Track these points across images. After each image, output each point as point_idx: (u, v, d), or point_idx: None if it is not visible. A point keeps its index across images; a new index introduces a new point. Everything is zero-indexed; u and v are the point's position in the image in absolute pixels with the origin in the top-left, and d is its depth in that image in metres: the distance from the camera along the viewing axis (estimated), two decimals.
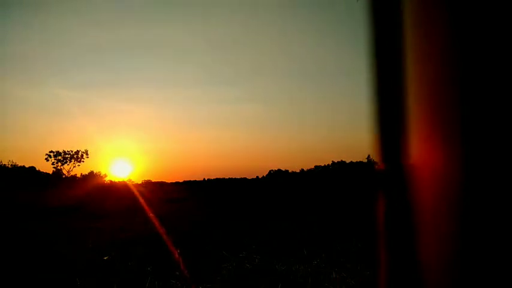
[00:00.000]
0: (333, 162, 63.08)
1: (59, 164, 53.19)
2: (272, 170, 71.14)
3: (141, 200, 19.44)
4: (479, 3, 0.46)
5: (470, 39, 0.47)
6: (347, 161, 61.95)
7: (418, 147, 0.57)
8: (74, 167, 54.35)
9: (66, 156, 53.52)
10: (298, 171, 67.89)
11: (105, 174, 56.28)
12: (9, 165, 50.16)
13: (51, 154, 52.86)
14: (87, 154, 54.85)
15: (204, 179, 73.62)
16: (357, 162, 59.01)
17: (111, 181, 55.69)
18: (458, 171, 0.48)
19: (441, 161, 0.51)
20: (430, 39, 0.54)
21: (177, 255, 5.52)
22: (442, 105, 0.51)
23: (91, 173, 55.94)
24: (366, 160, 54.14)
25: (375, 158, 0.68)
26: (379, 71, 0.65)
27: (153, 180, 65.03)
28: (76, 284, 4.75)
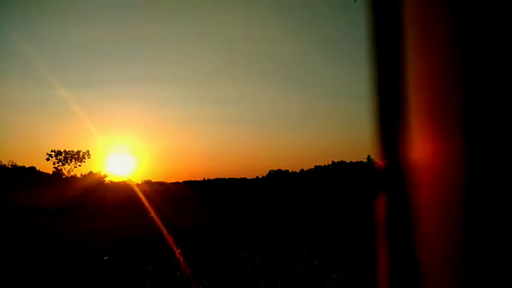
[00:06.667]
0: (333, 162, 63.08)
1: (60, 164, 53.22)
2: (272, 170, 71.19)
3: (142, 200, 19.43)
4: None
5: (471, 34, 0.47)
6: (347, 161, 61.97)
7: (419, 145, 0.57)
8: (75, 167, 54.39)
9: (67, 156, 53.51)
10: (298, 171, 67.94)
11: (105, 175, 56.26)
12: (9, 165, 50.15)
13: (52, 154, 52.86)
14: (88, 154, 54.89)
15: (204, 179, 73.72)
16: (357, 162, 59.04)
17: (111, 181, 55.74)
18: (460, 168, 0.48)
19: (442, 159, 0.51)
20: (430, 36, 0.54)
21: (177, 255, 5.52)
22: (443, 103, 0.51)
23: (91, 173, 55.91)
24: (366, 160, 54.16)
25: (375, 156, 0.67)
26: (379, 68, 0.65)
27: (153, 180, 65.12)
28: (76, 284, 4.75)
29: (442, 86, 0.51)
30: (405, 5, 0.59)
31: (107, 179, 55.44)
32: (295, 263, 5.16)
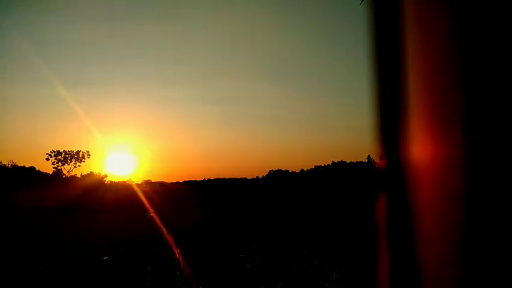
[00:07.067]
0: (333, 162, 63.10)
1: (59, 164, 53.21)
2: (272, 170, 71.17)
3: (142, 200, 19.43)
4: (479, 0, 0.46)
5: (470, 32, 0.47)
6: (347, 161, 61.97)
7: (419, 145, 0.57)
8: (75, 167, 54.37)
9: (67, 156, 53.51)
10: (298, 171, 67.95)
11: (105, 175, 56.21)
12: (9, 165, 50.16)
13: (52, 154, 52.87)
14: (88, 154, 54.91)
15: (204, 179, 73.74)
16: (356, 162, 59.03)
17: (111, 181, 55.75)
18: (459, 168, 0.48)
19: (442, 159, 0.51)
20: (430, 34, 0.53)
21: (177, 255, 5.52)
22: (443, 102, 0.51)
23: (91, 173, 55.91)
24: (366, 160, 54.19)
25: (375, 156, 0.67)
26: (380, 68, 0.65)
27: (153, 180, 65.12)
28: (76, 284, 4.75)
29: (442, 86, 0.51)
30: (405, 4, 0.59)
31: (107, 179, 55.39)
32: (295, 263, 5.15)
